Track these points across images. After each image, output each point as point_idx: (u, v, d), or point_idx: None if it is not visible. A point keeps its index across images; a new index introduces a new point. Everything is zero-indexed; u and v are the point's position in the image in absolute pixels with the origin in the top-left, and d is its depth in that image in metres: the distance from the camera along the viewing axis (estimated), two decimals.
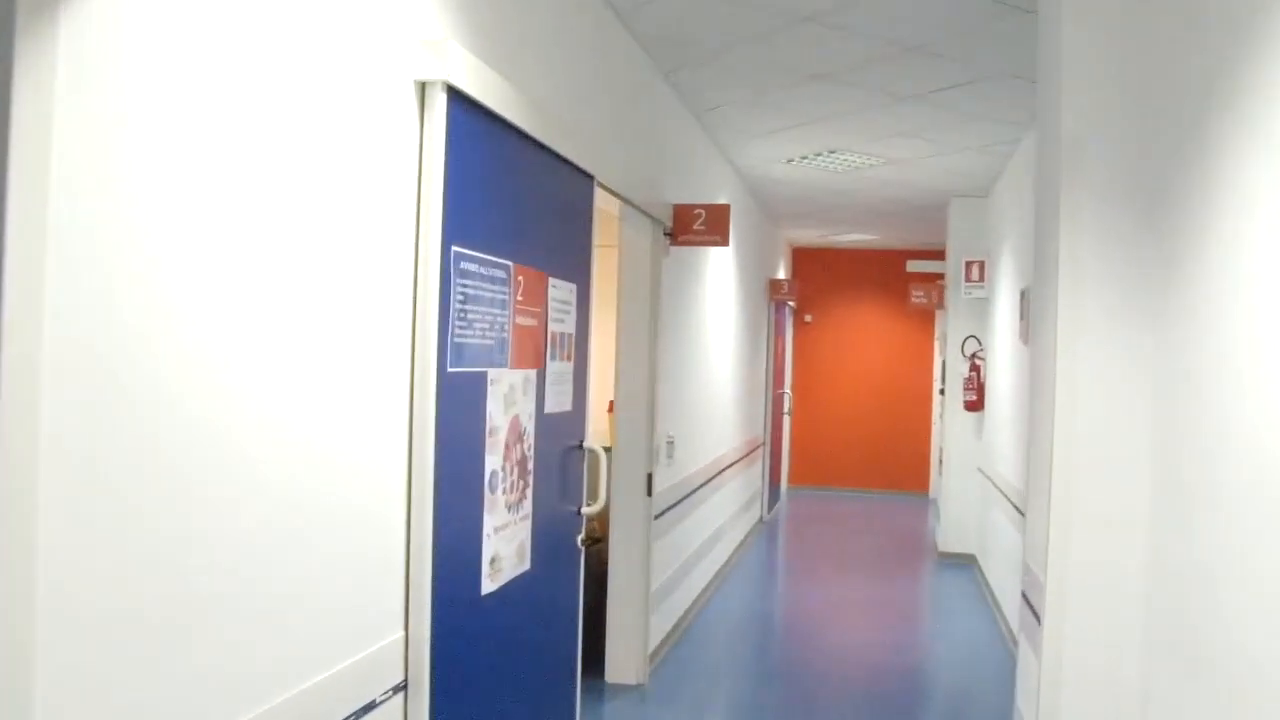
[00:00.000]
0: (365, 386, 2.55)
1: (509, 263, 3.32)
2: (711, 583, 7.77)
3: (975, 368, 8.94)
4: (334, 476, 2.42)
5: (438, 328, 2.82)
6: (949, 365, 9.51)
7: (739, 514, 9.44)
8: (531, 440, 3.57)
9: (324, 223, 2.33)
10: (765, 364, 11.41)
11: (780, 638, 6.95)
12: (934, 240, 11.96)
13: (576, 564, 4.17)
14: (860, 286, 14.03)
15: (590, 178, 4.20)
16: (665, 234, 5.75)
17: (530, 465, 3.57)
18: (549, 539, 3.82)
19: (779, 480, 12.85)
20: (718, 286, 7.83)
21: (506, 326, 3.31)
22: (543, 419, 3.68)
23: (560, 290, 3.83)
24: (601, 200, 5.39)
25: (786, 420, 13.45)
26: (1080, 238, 3.63)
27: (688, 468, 6.56)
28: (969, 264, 8.94)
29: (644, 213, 5.37)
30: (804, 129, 6.85)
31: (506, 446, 3.33)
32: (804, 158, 7.76)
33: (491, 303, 3.18)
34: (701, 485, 7.07)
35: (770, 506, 11.66)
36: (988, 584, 8.15)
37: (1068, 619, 3.60)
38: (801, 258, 14.13)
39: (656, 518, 5.69)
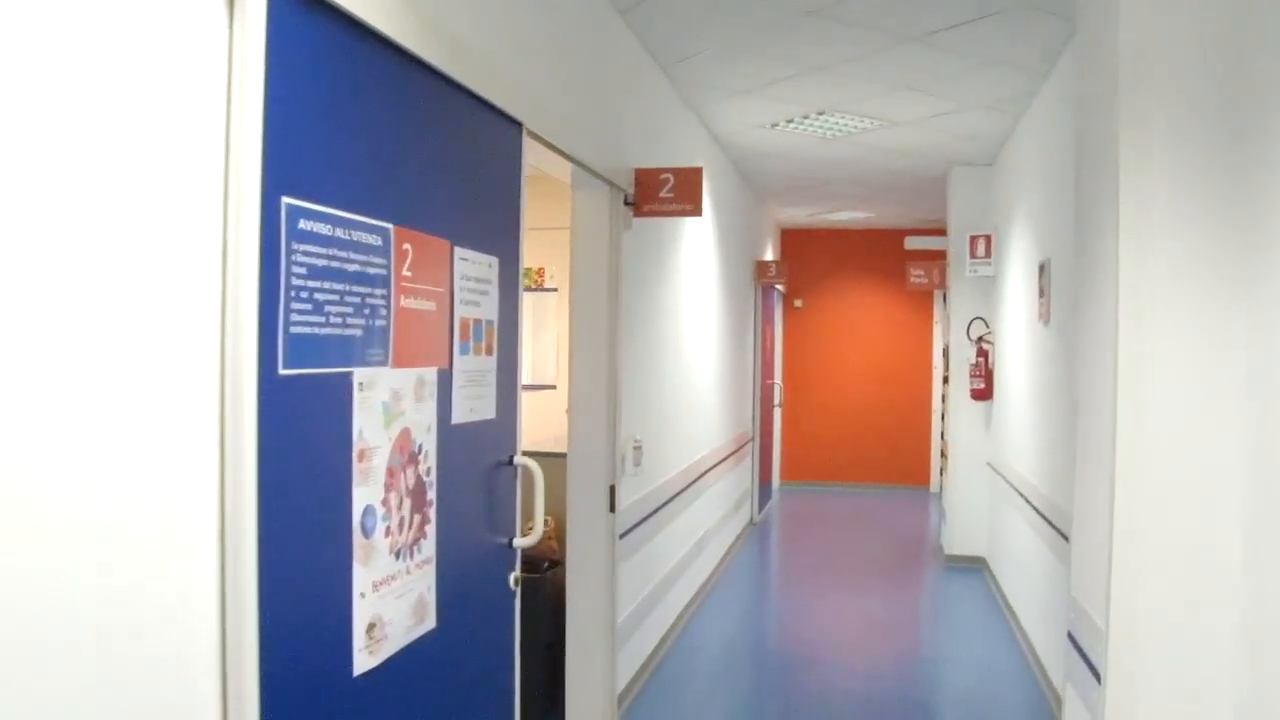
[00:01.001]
0: (143, 403, 1.70)
1: (387, 225, 2.47)
2: (693, 601, 6.93)
3: (983, 353, 8.11)
4: (83, 546, 1.57)
5: (258, 313, 1.97)
6: (953, 350, 8.67)
7: (726, 518, 8.61)
8: (432, 461, 2.73)
9: (69, 167, 1.48)
10: (753, 353, 10.57)
11: (771, 667, 6.11)
12: (934, 217, 11.12)
13: (508, 613, 3.32)
14: (855, 268, 13.18)
15: (517, 125, 3.34)
16: (627, 203, 4.90)
17: (431, 493, 2.72)
18: (465, 585, 2.97)
19: (770, 477, 12.02)
20: (696, 267, 6.97)
21: (385, 311, 2.46)
22: (450, 432, 2.84)
23: (474, 264, 2.98)
24: (553, 166, 4.55)
25: (777, 413, 12.61)
26: (1146, 180, 2.77)
27: (660, 475, 5.71)
28: (974, 239, 8.10)
29: (599, 176, 4.51)
30: (790, 84, 5.99)
31: (390, 472, 2.49)
32: (790, 121, 6.91)
33: (358, 278, 2.33)
34: (678, 494, 6.22)
35: (761, 506, 10.83)
36: (1001, 592, 7.33)
37: (1138, 681, 2.75)
38: (791, 239, 13.28)
39: (622, 536, 4.85)
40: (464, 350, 2.92)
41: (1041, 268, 5.65)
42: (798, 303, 13.32)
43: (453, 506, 2.87)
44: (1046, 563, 5.40)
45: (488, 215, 3.11)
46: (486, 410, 3.10)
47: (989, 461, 8.22)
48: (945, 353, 9.28)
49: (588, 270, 4.67)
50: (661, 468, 5.76)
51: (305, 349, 2.12)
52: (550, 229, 5.89)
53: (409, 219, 2.58)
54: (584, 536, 4.67)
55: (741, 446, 9.64)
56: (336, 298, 2.24)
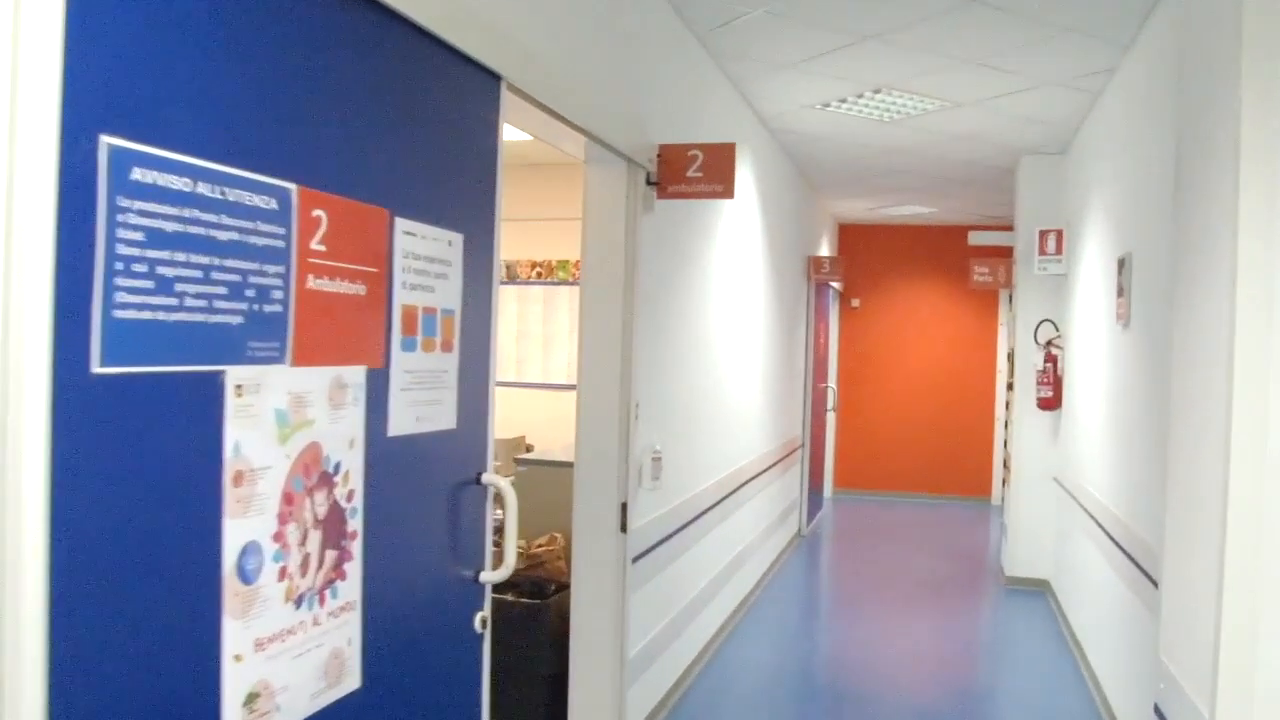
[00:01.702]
0: None
1: (287, 185, 1.93)
2: (728, 623, 6.35)
3: (1051, 358, 7.42)
4: None
5: (54, 291, 1.44)
6: (1019, 355, 7.99)
7: (771, 530, 8.01)
8: (357, 482, 2.19)
9: None
10: (805, 354, 9.95)
11: (807, 700, 5.50)
12: (1000, 213, 10.41)
13: (471, 661, 2.77)
14: (915, 266, 12.48)
15: (494, 78, 2.80)
16: (649, 183, 4.34)
17: (354, 523, 2.19)
18: (409, 633, 2.44)
19: (821, 485, 11.38)
20: (736, 259, 6.39)
21: (281, 294, 1.92)
22: (386, 446, 2.30)
23: (425, 241, 2.44)
24: (564, 139, 4.01)
25: (831, 417, 11.96)
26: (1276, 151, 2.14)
27: (685, 489, 5.14)
28: (1043, 234, 7.41)
29: (614, 151, 3.97)
30: (842, 57, 5.38)
31: (289, 499, 1.96)
32: (843, 101, 6.29)
33: (236, 250, 1.80)
34: (710, 508, 5.64)
35: (811, 517, 10.20)
36: (1066, 622, 6.66)
37: None
38: (849, 235, 12.61)
39: (635, 560, 4.29)
40: (408, 345, 2.38)
41: (1121, 263, 4.99)
42: (855, 302, 12.65)
43: (390, 537, 2.33)
44: (1121, 597, 4.75)
45: (448, 183, 2.57)
46: (442, 419, 2.55)
47: (1055, 477, 7.53)
48: (1010, 357, 8.59)
49: (600, 257, 4.12)
50: (687, 481, 5.18)
51: (140, 339, 1.59)
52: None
53: (324, 179, 2.05)
54: (590, 559, 4.12)
55: (790, 453, 9.04)
56: (198, 274, 1.71)
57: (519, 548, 4.72)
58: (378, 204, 2.24)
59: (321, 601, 2.08)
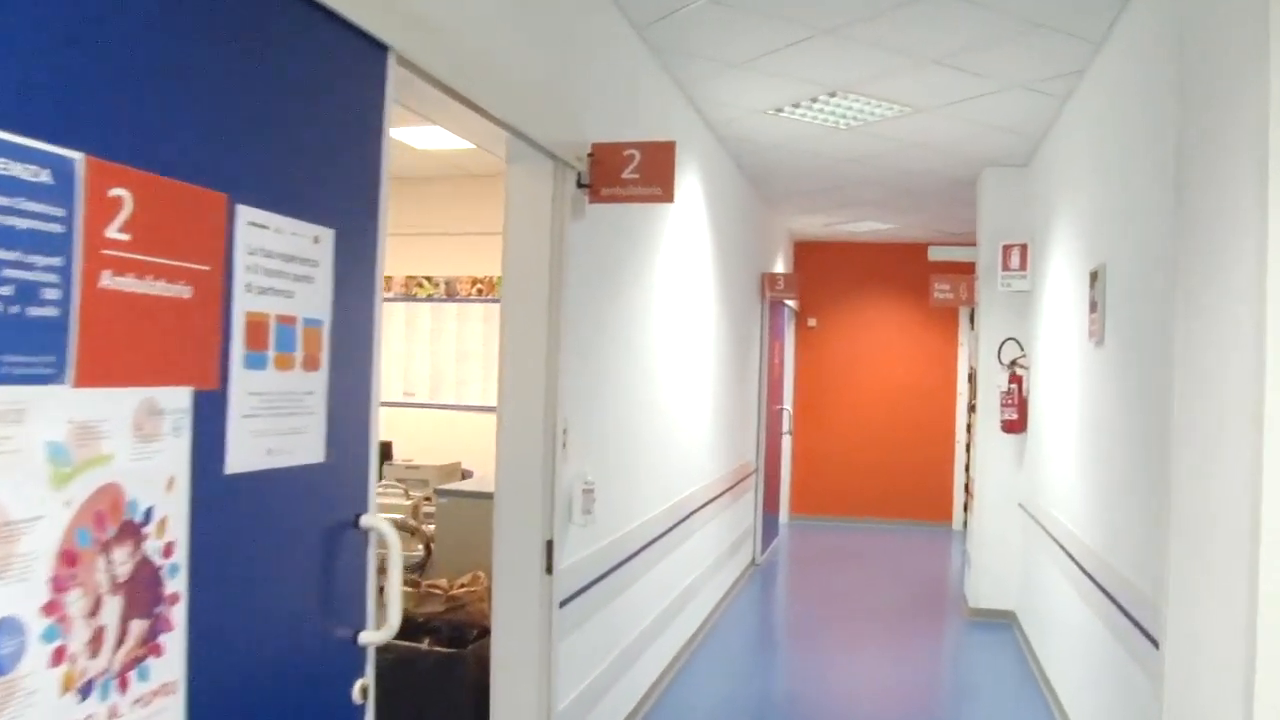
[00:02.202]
0: None
1: (70, 154, 1.50)
2: (677, 660, 5.92)
3: (1016, 379, 7.08)
4: None
5: None
6: (981, 376, 7.64)
7: (722, 561, 7.59)
8: (179, 532, 1.75)
9: None
10: (759, 375, 9.57)
11: None
12: (962, 230, 10.11)
13: None
14: (874, 284, 12.15)
15: (379, 48, 2.37)
16: (580, 185, 3.93)
17: (174, 583, 1.75)
18: (261, 714, 1.99)
19: (777, 511, 10.98)
20: (682, 274, 5.99)
21: (59, 293, 1.49)
22: (223, 486, 1.86)
23: (280, 236, 2.01)
24: (488, 138, 3.60)
25: (786, 441, 11.58)
26: None
27: (622, 523, 4.70)
28: (1007, 249, 7.09)
29: (538, 147, 3.56)
30: (795, 54, 5.01)
31: (69, 559, 1.51)
32: (796, 105, 5.92)
33: None
34: (651, 542, 5.21)
35: (765, 545, 9.79)
36: (1034, 656, 6.29)
37: None
38: (805, 253, 12.27)
39: (564, 604, 3.84)
40: (255, 362, 1.94)
41: (1093, 277, 4.64)
42: (811, 321, 12.30)
43: (232, 598, 1.89)
44: (1097, 636, 4.37)
45: (315, 169, 2.14)
46: (306, 451, 2.11)
47: (1021, 503, 7.18)
48: (972, 378, 8.26)
49: (523, 266, 3.70)
50: (625, 513, 4.75)
51: None
52: None
53: (129, 150, 1.62)
54: (512, 605, 3.68)
55: (743, 479, 8.64)
56: None
57: (439, 588, 4.27)
58: (212, 186, 1.81)
59: (123, 687, 1.63)
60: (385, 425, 8.25)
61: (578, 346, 4.00)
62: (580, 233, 3.96)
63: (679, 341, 5.90)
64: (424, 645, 3.99)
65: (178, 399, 1.74)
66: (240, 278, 1.89)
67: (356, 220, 2.29)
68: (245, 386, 1.91)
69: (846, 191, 8.67)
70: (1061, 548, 5.36)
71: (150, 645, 1.69)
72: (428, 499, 5.05)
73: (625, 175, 3.97)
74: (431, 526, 4.71)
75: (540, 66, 3.64)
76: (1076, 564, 4.87)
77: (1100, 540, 4.39)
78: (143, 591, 1.67)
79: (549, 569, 3.68)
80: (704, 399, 6.79)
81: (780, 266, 10.84)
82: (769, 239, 10.00)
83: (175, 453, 1.74)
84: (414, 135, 7.09)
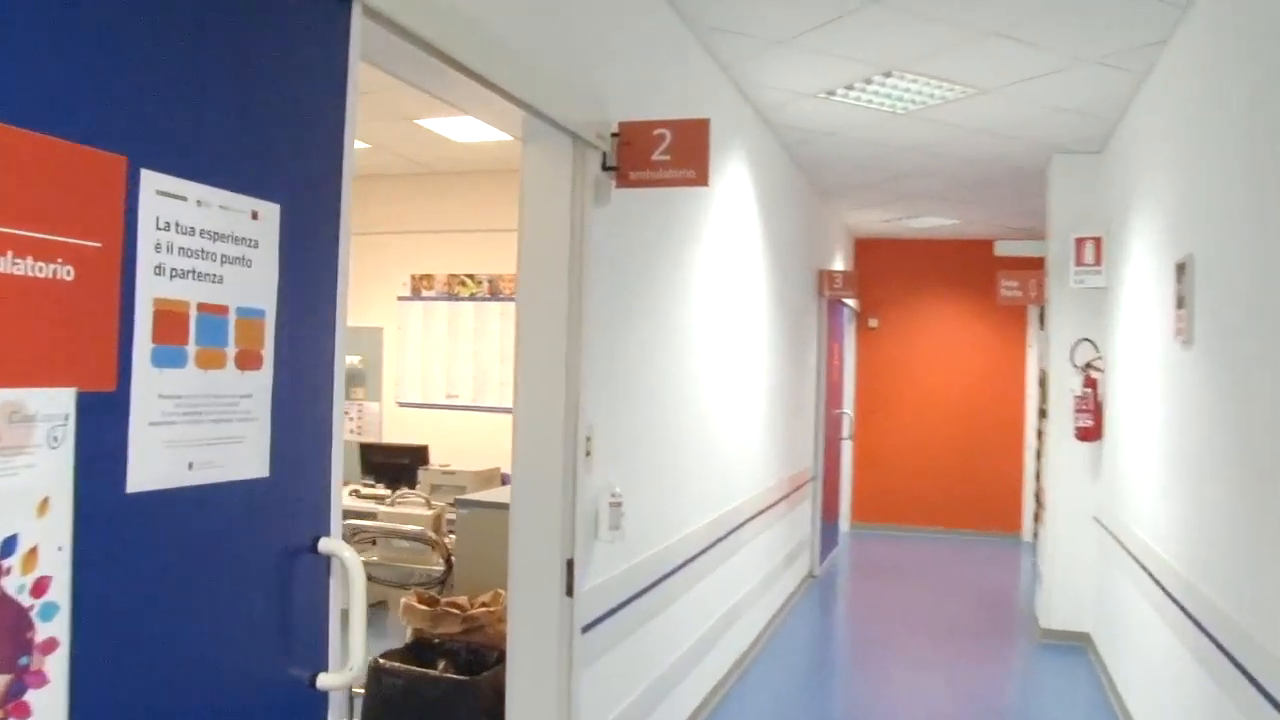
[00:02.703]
0: None
1: None
2: (720, 687, 5.53)
3: (1091, 383, 6.59)
4: None
5: None
6: (1053, 379, 7.16)
7: (777, 574, 7.20)
8: (59, 565, 1.44)
9: None
10: (816, 377, 9.14)
11: None
12: (1029, 225, 9.61)
13: None
14: (937, 283, 11.65)
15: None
16: (605, 168, 3.59)
17: (53, 628, 1.43)
18: None
19: (836, 519, 10.54)
20: (729, 267, 5.62)
21: None
22: (123, 507, 1.54)
23: (208, 211, 1.69)
24: (498, 115, 3.27)
25: (846, 446, 11.12)
26: None
27: (657, 538, 4.34)
28: (1080, 242, 6.60)
29: (556, 125, 3.22)
30: (844, 29, 4.62)
31: None
32: (849, 88, 5.52)
33: None
34: (693, 558, 4.84)
35: (824, 555, 9.36)
36: (1111, 683, 5.81)
37: None
38: (866, 250, 11.81)
39: (587, 629, 3.49)
40: (167, 358, 1.62)
41: (1180, 269, 4.18)
42: (872, 321, 11.84)
43: (136, 644, 1.57)
44: (1181, 665, 3.93)
45: (252, 131, 1.81)
46: (244, 464, 1.79)
47: (1096, 516, 6.69)
48: (1042, 381, 7.77)
49: (539, 257, 3.36)
50: (659, 528, 4.38)
51: None
52: None
53: None
54: (529, 629, 3.34)
55: (799, 486, 8.23)
56: None
57: (456, 608, 3.95)
58: (106, 147, 1.49)
59: None
60: (425, 428, 8.04)
61: (605, 346, 3.65)
62: (606, 219, 3.61)
63: (725, 341, 5.53)
64: (437, 670, 3.66)
65: (55, 402, 1.42)
66: (146, 258, 1.57)
67: (311, 194, 1.96)
68: (154, 388, 1.59)
69: (906, 183, 8.23)
70: (1142, 567, 4.90)
71: (14, 705, 1.37)
72: (454, 505, 4.74)
73: (655, 157, 3.62)
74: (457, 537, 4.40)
75: (557, 36, 3.31)
76: (1160, 586, 4.42)
77: (1188, 562, 3.94)
78: (3, 639, 1.35)
79: (569, 590, 3.34)
80: (755, 403, 6.41)
81: (839, 265, 10.41)
82: (826, 235, 9.59)
83: (51, 468, 1.42)
84: (452, 127, 6.81)
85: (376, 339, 8.82)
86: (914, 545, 10.94)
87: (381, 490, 6.74)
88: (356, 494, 6.83)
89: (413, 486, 6.47)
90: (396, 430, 8.51)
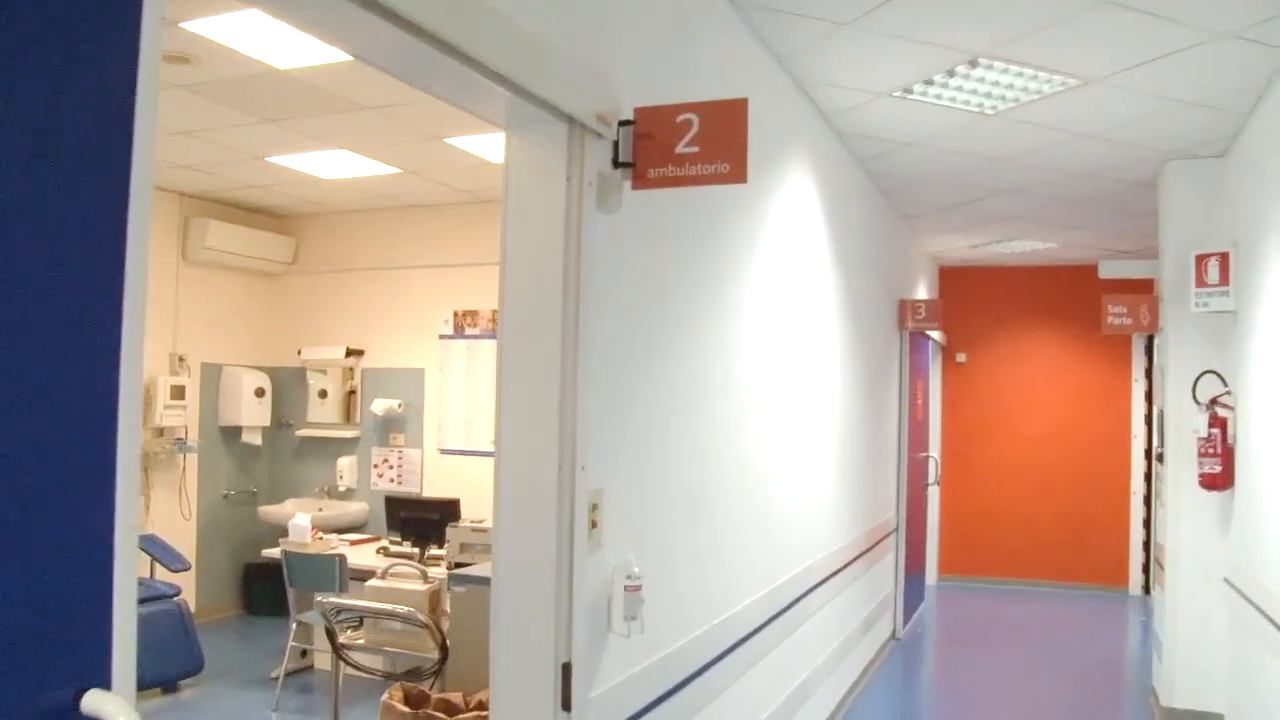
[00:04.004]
0: None
1: None
2: None
3: (1218, 422, 5.65)
4: None
5: None
6: (1171, 417, 6.22)
7: (852, 642, 6.34)
8: None
9: None
10: (898, 418, 8.28)
11: None
12: (1136, 247, 8.67)
13: None
14: (1031, 313, 10.70)
15: None
16: (617, 164, 2.86)
17: None
18: None
19: (922, 572, 9.61)
20: (791, 294, 4.84)
21: None
22: None
23: None
24: (469, 92, 2.58)
25: (933, 492, 10.19)
26: None
27: (690, 625, 3.52)
28: (1201, 259, 5.69)
29: (548, 107, 2.51)
30: (918, 1, 3.86)
31: None
32: (929, 83, 4.74)
33: None
34: (738, 644, 4.01)
35: (908, 615, 8.44)
36: None
37: None
38: (952, 280, 10.92)
39: None
40: None
41: None
42: (960, 356, 10.91)
43: None
44: None
45: None
46: None
47: (1228, 578, 5.72)
48: (1155, 420, 6.82)
49: (524, 276, 2.64)
50: (694, 611, 3.57)
51: None
52: None
53: None
54: None
55: (880, 540, 7.36)
56: None
57: (444, 710, 3.21)
58: None
59: None
60: (469, 477, 7.33)
61: (618, 391, 2.91)
62: (618, 229, 2.88)
63: (786, 382, 4.74)
64: None
65: None
66: None
67: (55, 97, 1.26)
68: None
69: (996, 203, 7.37)
70: None
71: None
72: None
73: (680, 149, 2.88)
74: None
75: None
76: None
77: None
78: None
79: (566, 703, 2.58)
80: (825, 451, 5.60)
81: (922, 294, 9.54)
82: (907, 262, 8.74)
83: None
84: (486, 145, 6.16)
85: (417, 381, 8.20)
86: (1008, 600, 9.94)
87: (409, 549, 6.07)
88: (385, 551, 6.17)
89: (441, 545, 5.78)
90: (439, 480, 7.85)
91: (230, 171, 7.06)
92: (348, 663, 4.04)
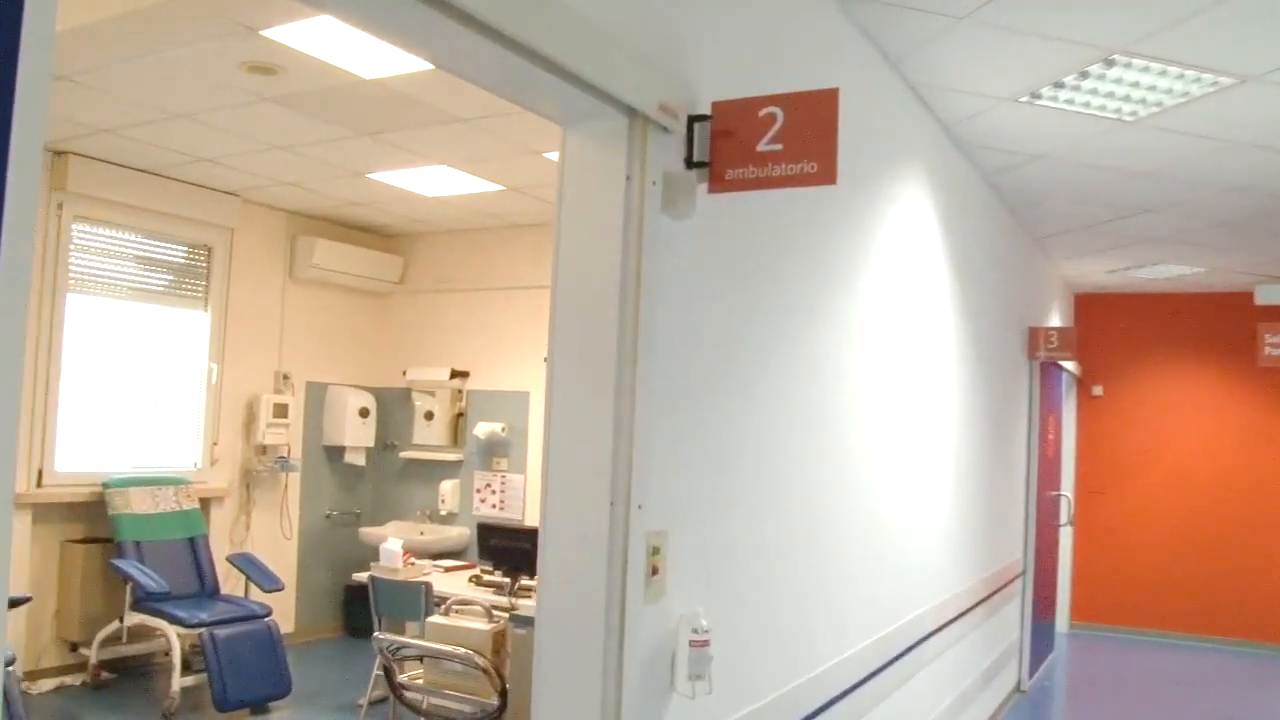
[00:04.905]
0: None
1: None
2: None
3: None
4: None
5: None
6: None
7: (970, 695, 5.84)
8: None
9: None
10: (1027, 454, 7.73)
11: None
12: None
13: None
14: (1176, 343, 9.97)
15: None
16: (691, 165, 2.55)
17: None
18: None
19: (1053, 619, 8.96)
20: (904, 318, 4.44)
21: None
22: None
23: None
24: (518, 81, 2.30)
25: (1065, 534, 9.52)
26: None
27: (773, 683, 3.15)
28: None
29: (608, 98, 2.22)
30: None
31: None
32: (1059, 85, 4.30)
33: None
34: (835, 700, 3.59)
35: (1035, 665, 7.84)
36: None
37: None
38: (1088, 307, 10.27)
39: None
40: None
41: None
42: (1096, 389, 10.23)
43: None
44: None
45: None
46: None
47: None
48: None
49: (577, 289, 2.34)
50: (778, 668, 3.19)
51: None
52: None
53: None
54: None
55: (1005, 584, 6.84)
56: None
57: None
58: None
59: None
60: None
61: (686, 422, 2.58)
62: (691, 235, 2.57)
63: (893, 411, 4.34)
64: None
65: None
66: None
67: None
68: None
69: (1136, 223, 6.80)
70: None
71: None
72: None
73: (762, 147, 2.55)
74: None
75: None
76: None
77: None
78: None
79: None
80: (941, 486, 5.15)
81: (1055, 322, 8.95)
82: (1038, 287, 8.19)
83: None
84: None
85: (522, 404, 7.99)
86: (1149, 653, 9.20)
87: (500, 578, 5.82)
88: (476, 580, 5.94)
89: (532, 575, 5.52)
90: None
91: (332, 188, 6.97)
92: (403, 703, 3.81)
